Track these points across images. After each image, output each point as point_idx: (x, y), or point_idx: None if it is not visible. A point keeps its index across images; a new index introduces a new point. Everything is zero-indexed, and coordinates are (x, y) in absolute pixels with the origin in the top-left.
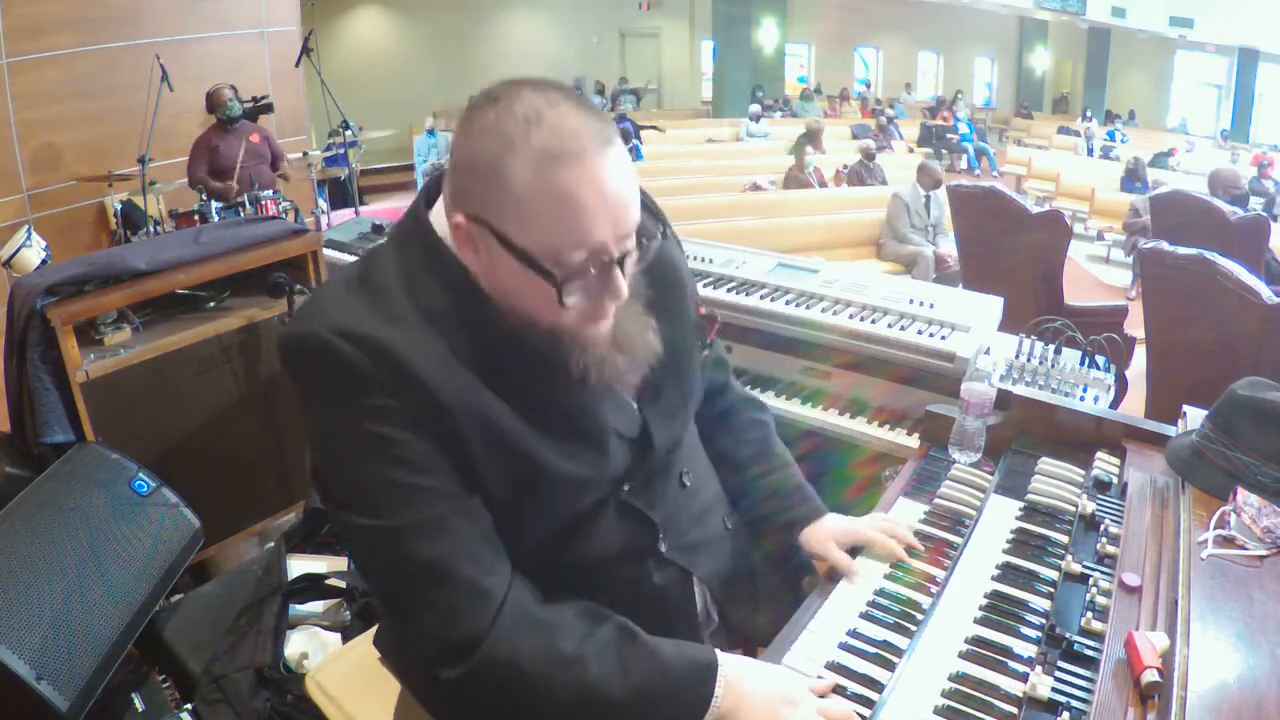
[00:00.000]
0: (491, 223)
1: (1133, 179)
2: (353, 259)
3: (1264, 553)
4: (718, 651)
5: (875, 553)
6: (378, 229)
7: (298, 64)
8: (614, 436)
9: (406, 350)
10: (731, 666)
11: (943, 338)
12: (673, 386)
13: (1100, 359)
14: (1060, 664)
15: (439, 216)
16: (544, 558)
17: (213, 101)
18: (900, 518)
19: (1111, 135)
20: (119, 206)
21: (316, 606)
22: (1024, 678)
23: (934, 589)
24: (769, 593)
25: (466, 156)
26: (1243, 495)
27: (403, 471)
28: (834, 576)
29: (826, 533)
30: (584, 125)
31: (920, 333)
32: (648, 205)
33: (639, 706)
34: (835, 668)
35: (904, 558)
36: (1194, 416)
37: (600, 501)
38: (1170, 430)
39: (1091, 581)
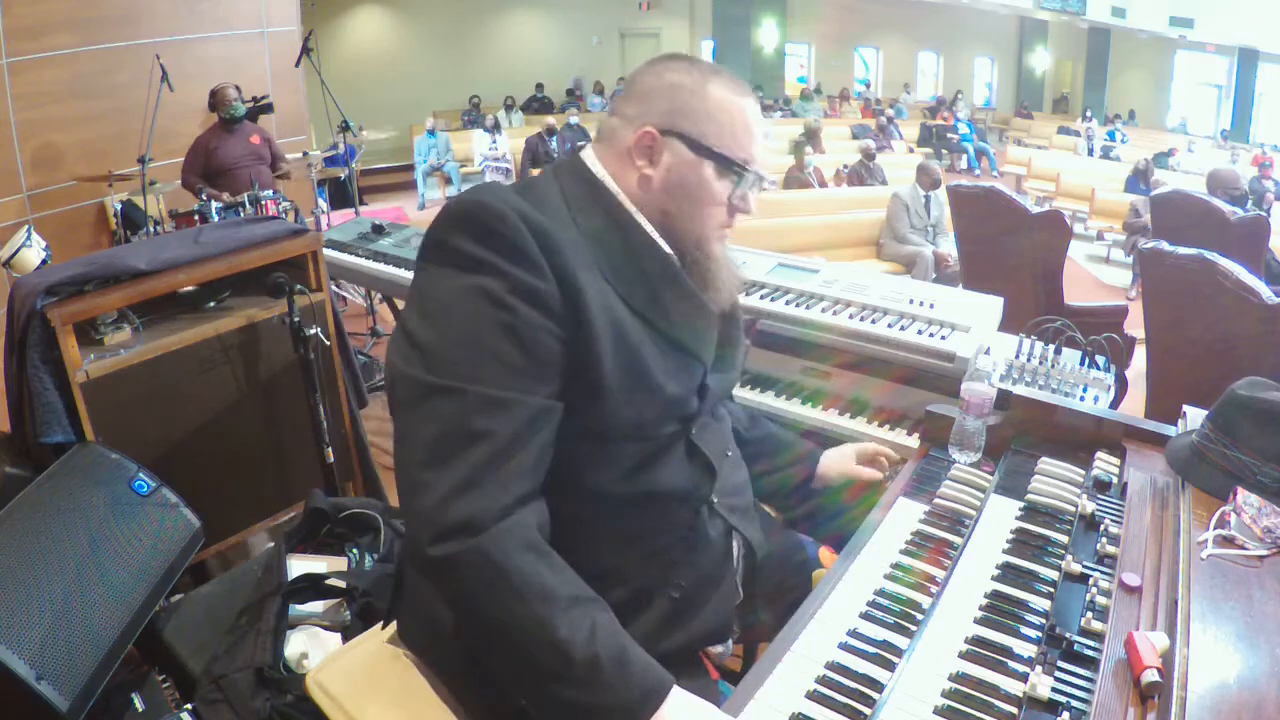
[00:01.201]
0: (686, 131)
1: (1139, 180)
2: (353, 259)
3: (1264, 553)
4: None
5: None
6: (378, 229)
7: (298, 64)
8: (699, 376)
9: (563, 242)
10: (678, 695)
11: (943, 338)
12: (724, 362)
13: (1100, 359)
14: (1060, 664)
15: (589, 157)
16: (622, 484)
17: (217, 100)
18: (900, 518)
19: (1111, 135)
20: (119, 206)
21: (316, 606)
22: (1024, 678)
23: (934, 589)
24: (770, 592)
25: (657, 84)
26: (1243, 495)
27: (512, 348)
28: (832, 578)
29: (843, 459)
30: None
31: (920, 333)
32: None
33: (584, 677)
34: (835, 668)
35: (884, 465)
36: (1194, 416)
37: (674, 436)
38: (1170, 430)
39: (1091, 581)
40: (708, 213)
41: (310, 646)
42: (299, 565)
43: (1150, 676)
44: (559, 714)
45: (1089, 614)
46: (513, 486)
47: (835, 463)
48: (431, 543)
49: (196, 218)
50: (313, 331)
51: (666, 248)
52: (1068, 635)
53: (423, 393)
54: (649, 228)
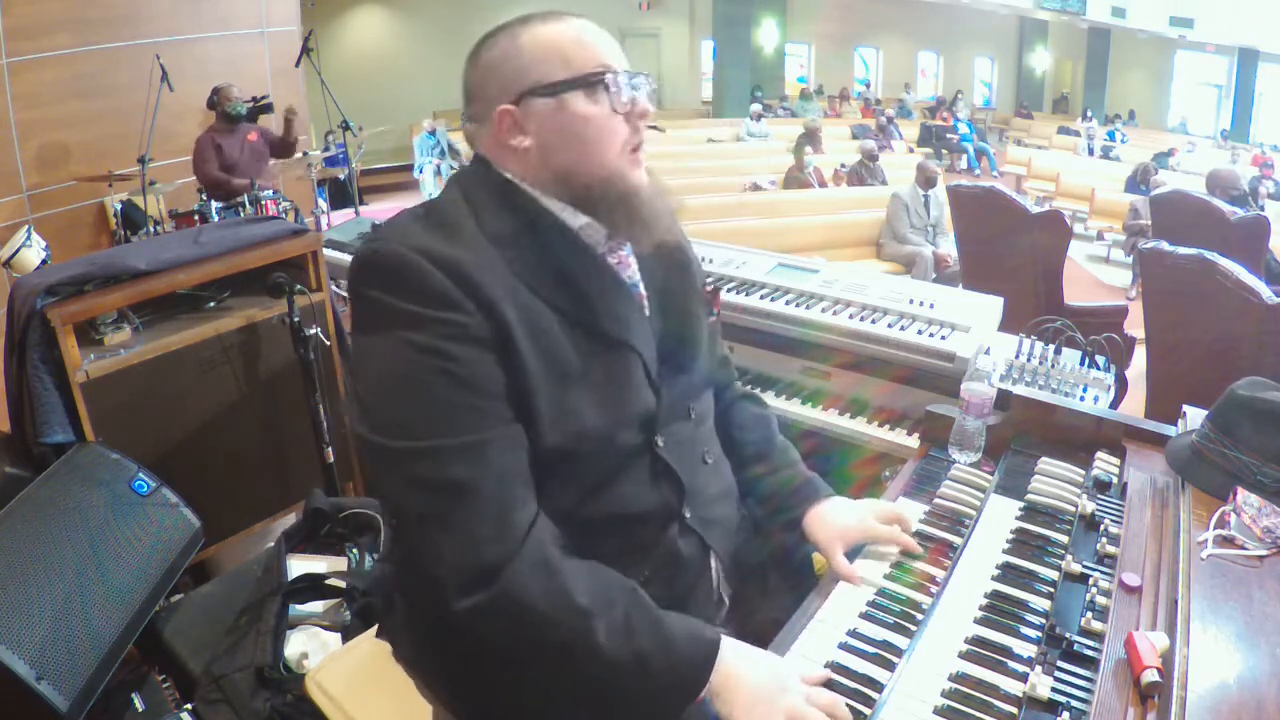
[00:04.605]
0: (534, 84)
1: (1140, 182)
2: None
3: (1264, 553)
4: (720, 632)
5: (880, 549)
6: (378, 229)
7: (298, 64)
8: (639, 368)
9: (476, 269)
10: (728, 648)
11: (943, 338)
12: (683, 346)
13: (1100, 359)
14: (1060, 664)
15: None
16: (582, 506)
17: (222, 96)
18: None
19: (1111, 135)
20: (119, 206)
21: (316, 606)
22: (1024, 678)
23: (934, 589)
24: (770, 590)
25: (486, 65)
26: (1243, 495)
27: (458, 390)
28: (832, 578)
29: (835, 531)
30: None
31: (920, 333)
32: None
33: (636, 673)
34: (835, 668)
35: (913, 547)
36: (1194, 416)
37: (635, 451)
38: (1170, 430)
39: (1091, 581)
40: (603, 139)
41: (310, 646)
42: (299, 565)
43: (1150, 676)
44: (627, 716)
45: (1089, 614)
46: (513, 522)
47: (826, 535)
48: (454, 601)
49: (196, 218)
50: (313, 331)
51: (577, 223)
52: (1068, 635)
53: (395, 460)
54: (555, 207)
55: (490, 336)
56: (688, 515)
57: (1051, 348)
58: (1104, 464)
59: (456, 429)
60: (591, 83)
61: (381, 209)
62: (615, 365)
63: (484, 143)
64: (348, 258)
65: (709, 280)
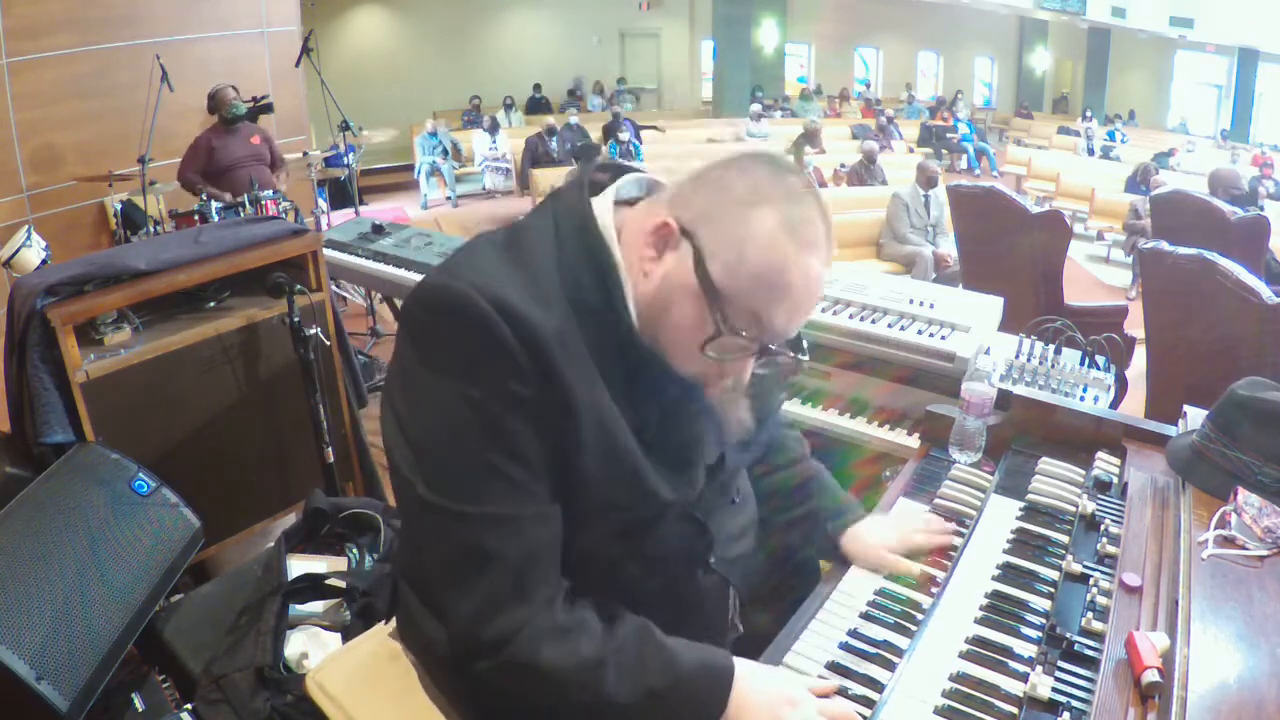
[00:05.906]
0: (704, 245)
1: (1140, 182)
2: (353, 259)
3: (1264, 553)
4: (731, 656)
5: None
6: (378, 229)
7: (298, 64)
8: (700, 468)
9: (553, 340)
10: (741, 674)
11: (943, 338)
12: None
13: (1100, 359)
14: (1060, 664)
15: (601, 207)
16: (609, 547)
17: (216, 101)
18: None
19: (1111, 135)
20: (119, 206)
21: (316, 606)
22: (1024, 678)
23: (934, 589)
24: (769, 593)
25: (716, 178)
26: (1243, 495)
27: (505, 461)
28: (832, 578)
29: (880, 544)
30: (827, 231)
31: (920, 333)
32: None
33: (650, 711)
34: (835, 668)
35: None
36: (1194, 416)
37: (668, 505)
38: (1170, 430)
39: (1092, 581)
40: (680, 349)
41: (310, 646)
42: (299, 565)
43: (1150, 676)
44: None
45: (1089, 614)
46: (533, 595)
47: (870, 555)
48: (464, 663)
49: (196, 218)
50: (313, 331)
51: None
52: (1068, 635)
53: (426, 507)
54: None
55: (549, 412)
56: (712, 561)
57: (1051, 348)
58: (1104, 464)
59: (495, 499)
60: (716, 315)
61: (381, 209)
62: (676, 467)
63: (646, 207)
64: (348, 258)
65: None
